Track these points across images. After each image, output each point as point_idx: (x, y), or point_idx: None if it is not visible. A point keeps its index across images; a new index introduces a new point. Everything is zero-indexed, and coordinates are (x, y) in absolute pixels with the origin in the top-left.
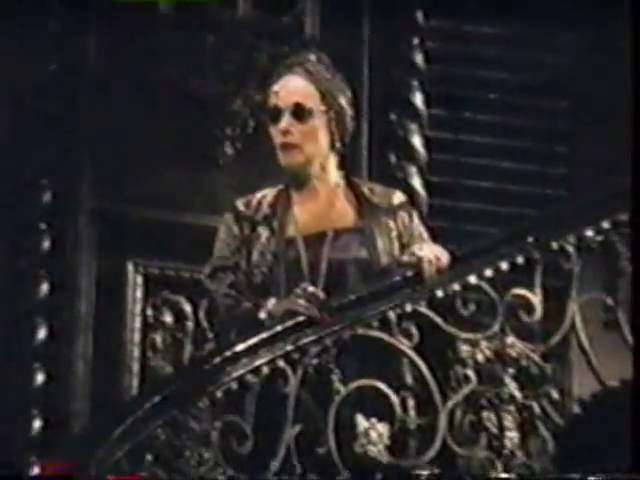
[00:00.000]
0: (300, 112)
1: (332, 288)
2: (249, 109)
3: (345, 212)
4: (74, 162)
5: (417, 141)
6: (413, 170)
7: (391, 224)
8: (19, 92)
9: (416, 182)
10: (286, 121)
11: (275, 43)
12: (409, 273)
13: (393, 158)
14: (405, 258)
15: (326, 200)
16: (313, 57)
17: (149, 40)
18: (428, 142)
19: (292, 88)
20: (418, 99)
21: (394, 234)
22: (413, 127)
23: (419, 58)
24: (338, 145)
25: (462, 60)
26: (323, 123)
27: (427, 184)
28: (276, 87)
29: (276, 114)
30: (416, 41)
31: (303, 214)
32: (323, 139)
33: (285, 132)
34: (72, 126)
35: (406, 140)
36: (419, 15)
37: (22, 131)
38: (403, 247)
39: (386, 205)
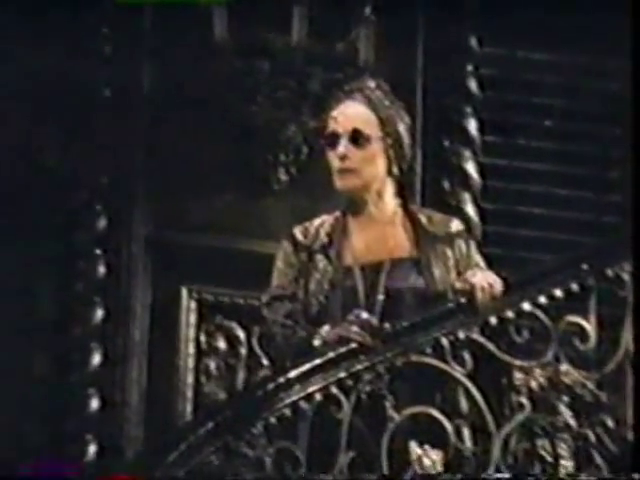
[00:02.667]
0: (358, 138)
1: (389, 317)
2: (303, 135)
3: (402, 241)
4: (129, 188)
5: (471, 168)
6: (467, 197)
7: (448, 252)
8: (74, 118)
9: (470, 209)
10: (344, 146)
11: (329, 70)
12: (462, 300)
13: (447, 185)
14: (458, 285)
15: (383, 228)
16: (372, 83)
17: (203, 67)
18: (482, 169)
19: (351, 114)
20: (472, 126)
21: (451, 262)
22: (467, 154)
23: (473, 85)
24: (395, 172)
25: (516, 87)
26: (381, 149)
27: (481, 211)
28: (334, 113)
29: (334, 139)
30: (470, 67)
31: (360, 242)
32: (380, 165)
33: (343, 157)
34: (127, 152)
35: (460, 167)
36: (473, 41)
37: (77, 157)
38: (460, 275)
39: (443, 233)
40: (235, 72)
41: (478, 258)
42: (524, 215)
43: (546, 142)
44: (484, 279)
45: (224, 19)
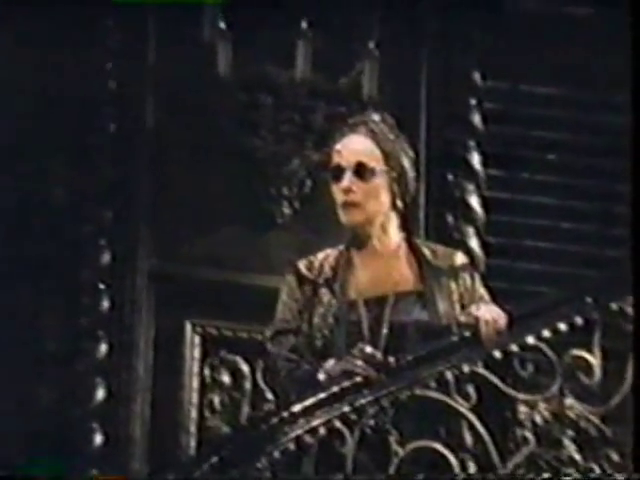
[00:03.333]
0: (362, 171)
1: (393, 351)
2: (306, 169)
3: (406, 274)
4: (132, 223)
5: (474, 201)
6: (470, 230)
7: (453, 286)
8: (78, 152)
9: (473, 242)
10: (348, 180)
11: (332, 104)
12: (467, 333)
13: (450, 218)
14: (462, 318)
15: (387, 262)
16: (376, 117)
17: (207, 101)
18: (485, 202)
19: (355, 147)
20: (475, 159)
21: (455, 296)
22: (470, 187)
23: (476, 118)
24: (399, 205)
25: (519, 120)
26: (385, 183)
27: (484, 244)
28: (339, 146)
29: (338, 173)
30: (473, 101)
31: (364, 276)
32: (384, 199)
33: (347, 191)
34: (131, 187)
35: (463, 200)
36: (476, 75)
37: (81, 191)
38: (464, 308)
39: (448, 267)
40: (239, 106)
41: (483, 291)
42: (528, 249)
43: (549, 176)
44: (488, 313)
45: (228, 53)
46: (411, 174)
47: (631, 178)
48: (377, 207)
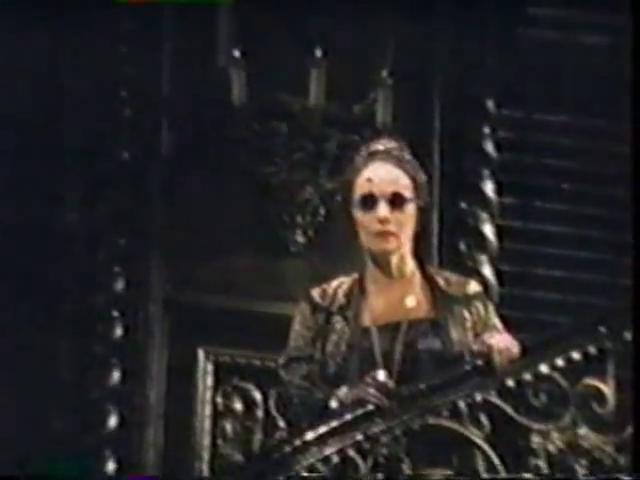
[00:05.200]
0: (398, 201)
1: (406, 379)
2: (320, 197)
3: (419, 302)
4: (146, 250)
5: (488, 230)
6: (484, 259)
7: (466, 314)
8: (92, 180)
9: (487, 271)
10: (384, 209)
11: (346, 132)
12: (479, 362)
13: (463, 247)
14: (475, 347)
15: (401, 290)
16: (396, 144)
17: (221, 128)
18: (499, 231)
19: (388, 176)
20: (489, 188)
21: (469, 324)
22: (484, 216)
23: (490, 147)
24: (418, 232)
25: (533, 149)
26: (414, 212)
27: (498, 273)
28: (368, 174)
29: (371, 202)
30: (487, 130)
31: (378, 304)
32: (412, 227)
33: (384, 221)
34: (145, 214)
35: (477, 229)
36: (490, 104)
37: (95, 219)
38: (477, 336)
39: (461, 295)
40: (253, 134)
41: (496, 320)
42: (541, 277)
43: (563, 204)
44: (502, 341)
45: (242, 81)
46: (427, 200)
47: (634, 205)
48: (409, 236)
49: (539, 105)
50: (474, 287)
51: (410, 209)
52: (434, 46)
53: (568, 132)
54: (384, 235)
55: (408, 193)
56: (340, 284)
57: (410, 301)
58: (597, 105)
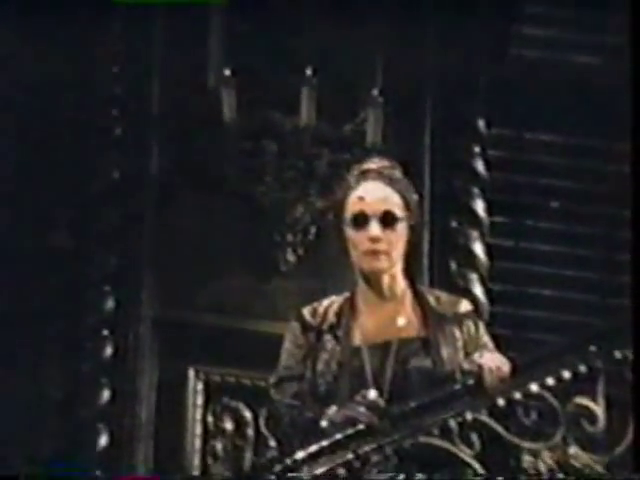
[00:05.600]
0: (389, 220)
1: (397, 398)
2: (310, 216)
3: (410, 321)
4: (136, 269)
5: (478, 249)
6: (474, 277)
7: (457, 333)
8: (83, 199)
9: (477, 290)
10: (375, 228)
11: (336, 151)
12: (470, 381)
13: (454, 265)
14: (466, 366)
15: (392, 309)
16: (387, 163)
17: (212, 147)
18: (489, 250)
19: (379, 195)
20: (479, 206)
21: (459, 343)
22: (474, 234)
23: (480, 166)
24: (409, 252)
25: (523, 168)
26: (405, 230)
27: (488, 292)
28: (359, 193)
29: (362, 220)
30: (477, 149)
31: (369, 322)
32: (403, 246)
33: (375, 239)
34: (135, 234)
35: (467, 247)
36: (480, 123)
37: (85, 238)
38: (468, 355)
39: (452, 314)
40: (243, 153)
41: (486, 339)
42: (532, 296)
43: (553, 223)
44: (492, 360)
45: (232, 100)
46: (419, 220)
47: (632, 226)
48: (400, 255)
49: (529, 124)
50: (465, 306)
51: (401, 228)
52: (424, 65)
53: (558, 151)
54: (375, 254)
55: (399, 212)
56: (331, 303)
57: (401, 320)
58: (587, 124)
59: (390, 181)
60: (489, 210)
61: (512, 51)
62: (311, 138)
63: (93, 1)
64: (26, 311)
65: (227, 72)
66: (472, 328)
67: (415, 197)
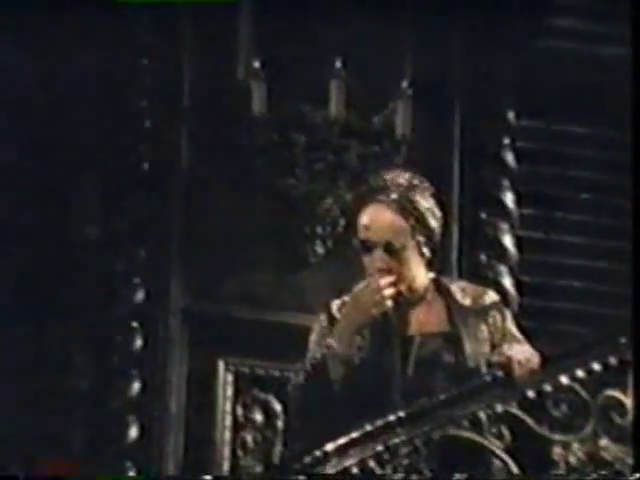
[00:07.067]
0: (392, 249)
1: (419, 393)
2: (340, 208)
3: (434, 315)
4: (166, 261)
5: (508, 241)
6: (504, 270)
7: (482, 326)
8: (112, 191)
9: (507, 282)
10: (380, 257)
11: (366, 143)
12: (499, 373)
13: (484, 258)
14: (495, 358)
15: (415, 303)
16: (403, 180)
17: (241, 139)
18: (519, 242)
19: (382, 224)
20: (509, 198)
21: (485, 335)
22: (504, 226)
23: (510, 158)
24: (427, 253)
25: (553, 160)
26: (414, 249)
27: (518, 284)
28: (365, 220)
29: (368, 247)
30: (507, 141)
31: (393, 317)
32: (415, 261)
33: (381, 271)
34: (164, 226)
35: (497, 240)
36: (510, 115)
37: (115, 230)
38: (495, 347)
39: (477, 306)
40: (272, 145)
41: (514, 330)
42: (562, 288)
43: (583, 215)
44: (521, 353)
45: (262, 92)
46: (438, 231)
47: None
48: (408, 271)
49: (558, 116)
50: (491, 297)
51: (408, 254)
52: (453, 57)
53: (588, 143)
54: (383, 286)
55: (403, 239)
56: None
57: (424, 315)
58: (616, 116)
59: (397, 204)
60: (518, 202)
61: (541, 43)
62: (340, 130)
63: None
64: (56, 303)
65: (257, 64)
66: (499, 319)
67: (427, 211)
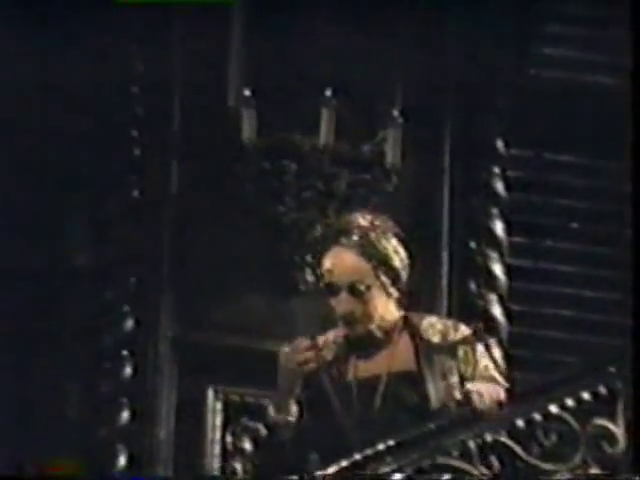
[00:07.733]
0: (357, 291)
1: (385, 432)
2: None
3: (401, 353)
4: (156, 289)
5: (498, 269)
6: (493, 298)
7: (450, 362)
8: (102, 218)
9: (496, 310)
10: (346, 299)
11: (355, 171)
12: (464, 410)
13: (473, 286)
14: (458, 395)
15: (384, 342)
16: (364, 222)
17: (231, 167)
18: (509, 270)
19: (345, 267)
20: (498, 227)
21: (453, 372)
22: (493, 255)
23: (500, 186)
24: (394, 293)
25: (542, 188)
26: (379, 289)
27: (508, 312)
28: (328, 264)
29: (333, 290)
30: (497, 169)
31: (361, 357)
32: (381, 300)
33: (346, 312)
34: (155, 253)
35: (486, 268)
36: (499, 144)
37: (105, 258)
38: (463, 383)
39: (445, 342)
40: (262, 173)
41: (486, 362)
42: (551, 317)
43: (572, 244)
44: (482, 386)
45: (252, 120)
46: (404, 271)
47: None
48: (375, 310)
49: (548, 145)
50: (462, 332)
51: (373, 294)
52: (443, 86)
53: (578, 172)
54: (348, 322)
55: (368, 280)
56: (327, 339)
57: (391, 354)
58: (607, 145)
59: (359, 247)
60: (508, 230)
61: (531, 71)
62: (330, 158)
63: (111, 18)
64: (46, 331)
65: (247, 92)
66: (469, 354)
67: (390, 251)
